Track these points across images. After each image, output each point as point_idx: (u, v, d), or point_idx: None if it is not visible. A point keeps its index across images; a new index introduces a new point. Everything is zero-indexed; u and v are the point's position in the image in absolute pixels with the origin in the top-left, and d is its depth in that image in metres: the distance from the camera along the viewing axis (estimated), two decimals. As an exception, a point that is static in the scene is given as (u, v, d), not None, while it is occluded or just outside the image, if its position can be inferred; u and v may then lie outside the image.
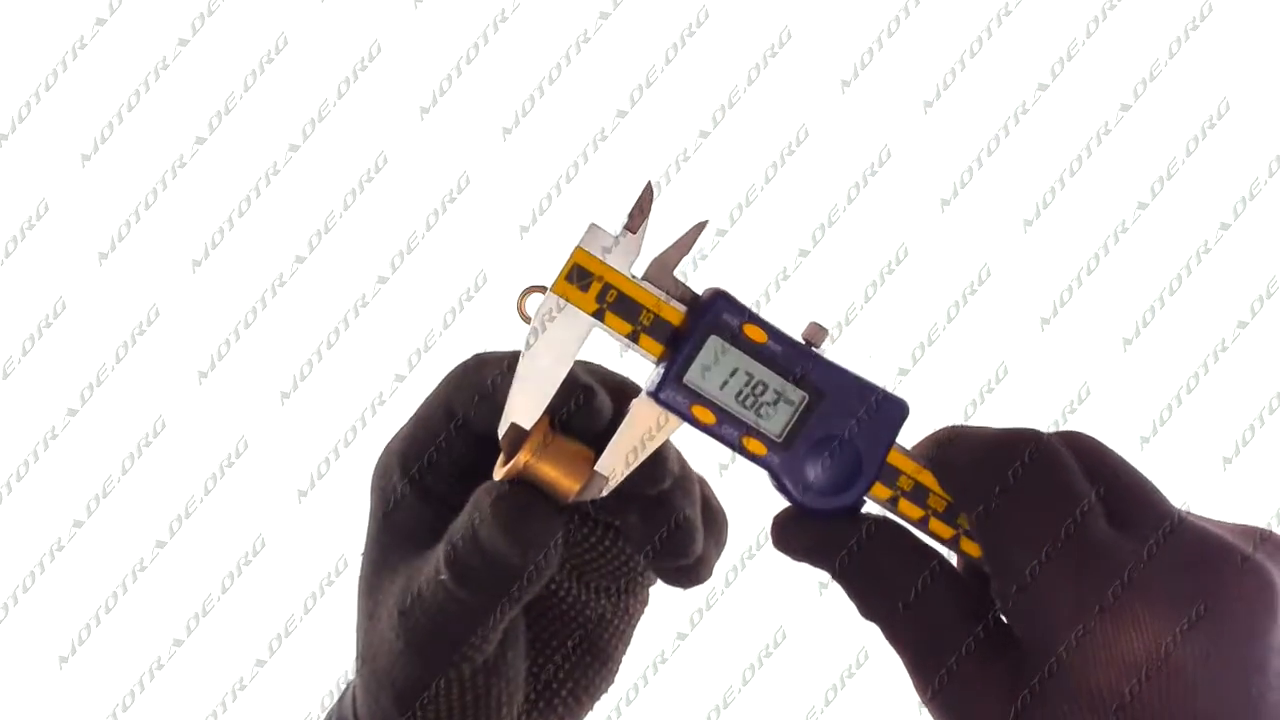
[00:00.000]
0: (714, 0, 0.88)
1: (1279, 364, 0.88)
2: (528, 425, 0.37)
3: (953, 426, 0.39)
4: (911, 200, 0.88)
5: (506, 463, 0.38)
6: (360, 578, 0.40)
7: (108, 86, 0.88)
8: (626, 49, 0.88)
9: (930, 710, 0.38)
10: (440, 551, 0.37)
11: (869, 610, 0.39)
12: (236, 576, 0.86)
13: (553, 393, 0.38)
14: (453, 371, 0.40)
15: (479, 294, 0.85)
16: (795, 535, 0.40)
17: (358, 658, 0.40)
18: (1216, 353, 0.87)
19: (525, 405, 0.37)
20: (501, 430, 0.38)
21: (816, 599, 0.80)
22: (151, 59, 0.88)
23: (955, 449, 0.38)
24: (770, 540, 0.40)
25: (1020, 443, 0.37)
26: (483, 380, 0.38)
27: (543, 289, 0.40)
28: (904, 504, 0.40)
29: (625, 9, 0.88)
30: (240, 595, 0.86)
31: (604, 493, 0.38)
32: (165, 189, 0.88)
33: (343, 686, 0.43)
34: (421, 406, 0.40)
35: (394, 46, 0.88)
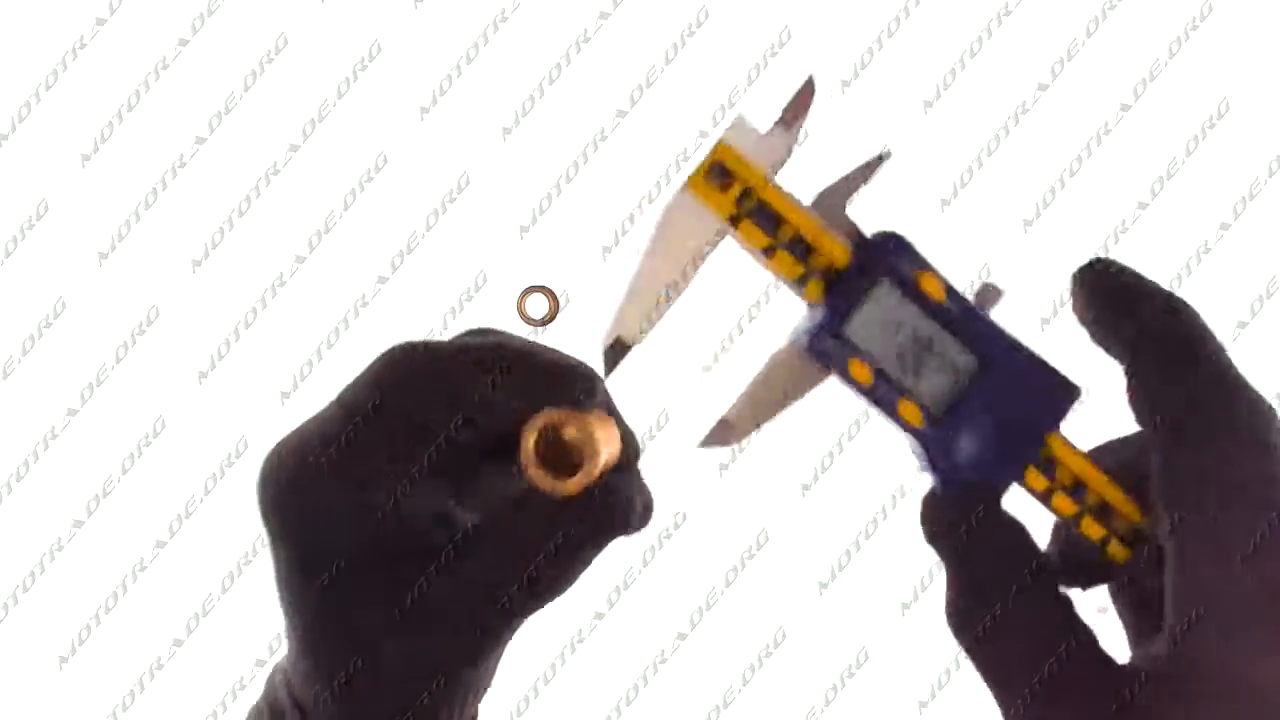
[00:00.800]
0: (714, 0, 0.88)
1: (1279, 364, 0.88)
2: (636, 339, 0.33)
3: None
4: (911, 200, 0.88)
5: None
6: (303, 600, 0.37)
7: (108, 86, 0.88)
8: (626, 49, 0.88)
9: None
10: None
11: (958, 627, 0.34)
12: (236, 576, 0.86)
13: (668, 304, 0.33)
14: (384, 368, 0.37)
15: (479, 294, 0.85)
16: (932, 516, 0.35)
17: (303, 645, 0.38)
18: (1216, 353, 0.87)
19: (636, 316, 0.33)
20: (604, 343, 0.33)
21: (816, 599, 0.80)
22: (151, 59, 0.88)
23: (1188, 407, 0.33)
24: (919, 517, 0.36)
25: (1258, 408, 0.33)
26: (423, 372, 0.35)
27: (543, 289, 0.39)
28: (1058, 498, 0.35)
29: (625, 9, 0.88)
30: (240, 595, 0.86)
31: (730, 444, 0.34)
32: (165, 189, 0.88)
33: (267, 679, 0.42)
34: (347, 404, 0.37)
35: (394, 46, 0.88)
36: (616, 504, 0.36)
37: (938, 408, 0.35)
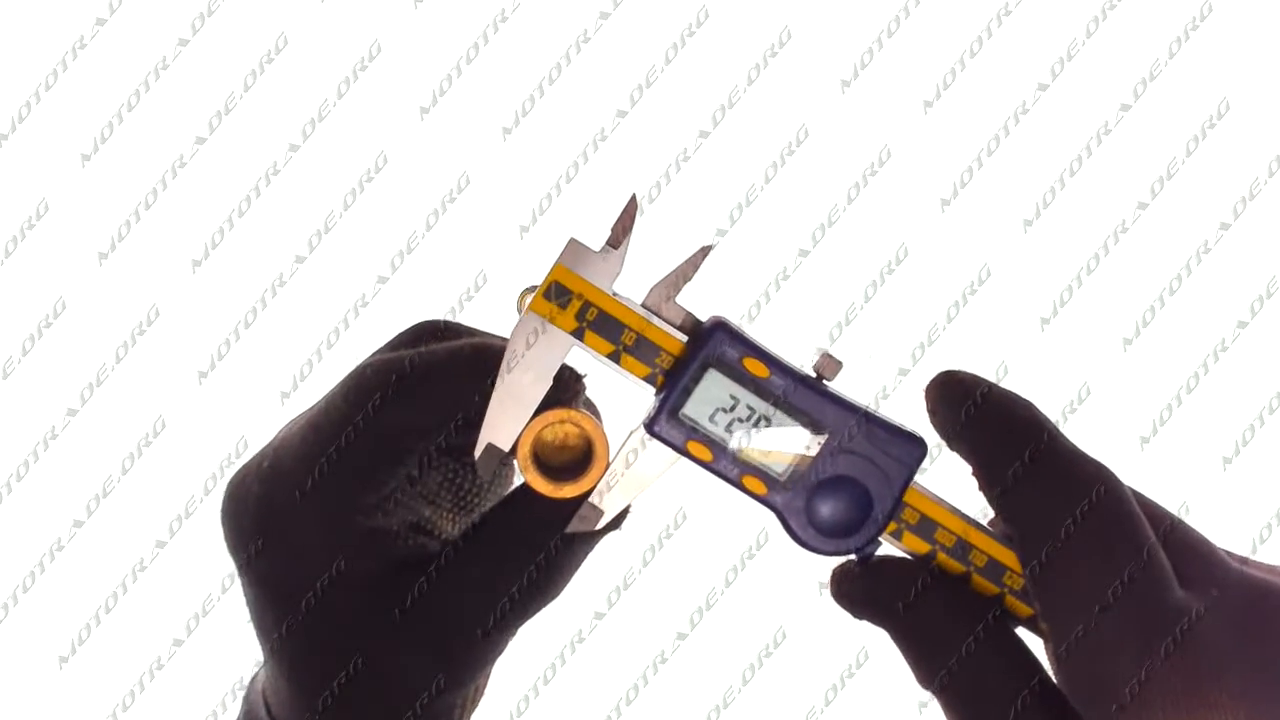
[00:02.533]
0: (714, 0, 0.88)
1: (1279, 364, 0.88)
2: (506, 446, 0.35)
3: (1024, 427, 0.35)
4: (911, 200, 0.88)
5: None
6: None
7: (108, 86, 0.88)
8: (626, 49, 0.88)
9: None
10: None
11: (926, 678, 0.35)
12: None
13: (532, 412, 0.35)
14: (354, 387, 0.36)
15: (479, 294, 0.85)
16: (852, 589, 0.37)
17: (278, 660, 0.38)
18: (1216, 353, 0.87)
19: (505, 425, 0.35)
20: (478, 451, 0.35)
21: (816, 599, 0.79)
22: (151, 59, 0.88)
23: (1023, 482, 0.34)
24: (830, 592, 0.38)
25: (1091, 482, 0.33)
26: (393, 384, 0.35)
27: None
28: (942, 557, 0.37)
29: (625, 9, 0.88)
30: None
31: (596, 527, 0.36)
32: (165, 189, 0.88)
33: (245, 691, 0.41)
34: (321, 420, 0.36)
35: (394, 46, 0.88)
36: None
37: (782, 477, 0.37)
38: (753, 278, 0.89)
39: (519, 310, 0.38)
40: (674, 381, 0.37)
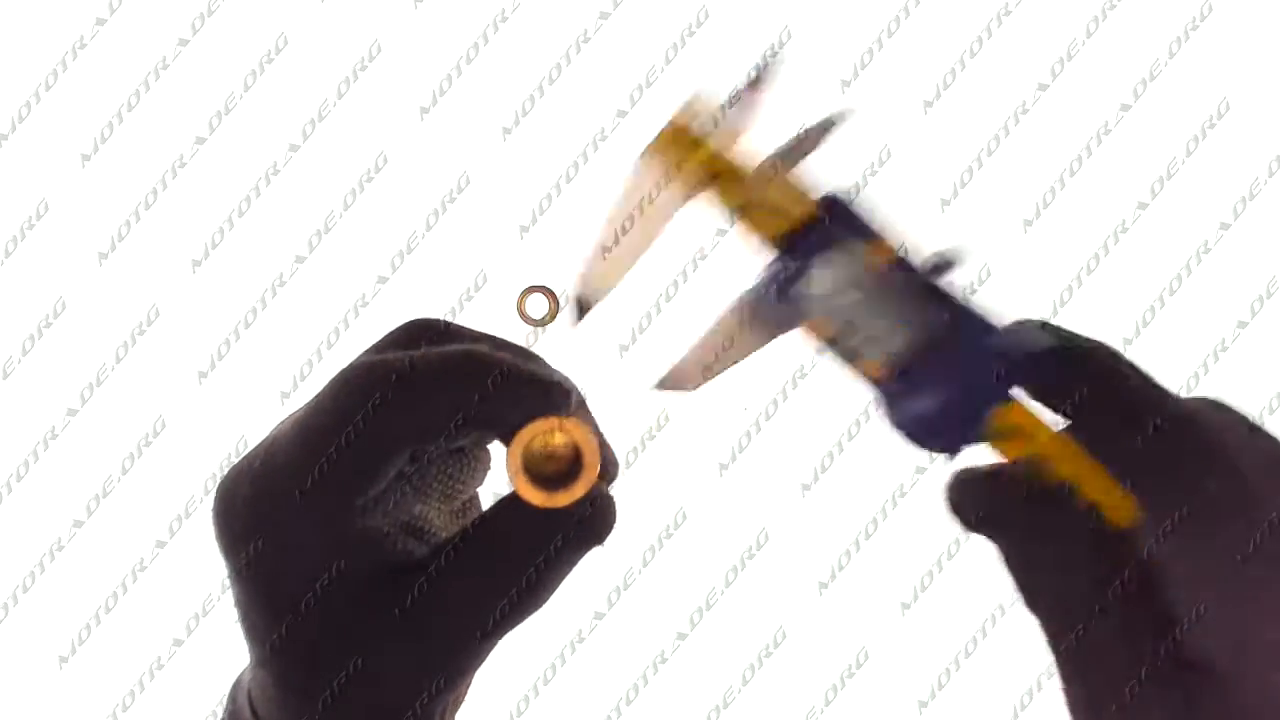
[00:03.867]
0: (714, 0, 0.88)
1: (1279, 364, 0.88)
2: (598, 299, 0.34)
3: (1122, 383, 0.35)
4: (911, 201, 0.88)
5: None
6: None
7: (108, 86, 0.88)
8: (626, 49, 0.88)
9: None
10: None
11: (1038, 605, 0.35)
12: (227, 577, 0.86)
13: (633, 266, 0.33)
14: (344, 388, 0.35)
15: (479, 294, 0.85)
16: (969, 501, 0.36)
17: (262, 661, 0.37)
18: (1216, 353, 0.87)
19: (603, 276, 0.34)
20: (570, 301, 0.34)
21: (816, 599, 0.80)
22: (151, 59, 0.88)
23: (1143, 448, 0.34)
24: (948, 501, 0.36)
25: (1213, 452, 0.33)
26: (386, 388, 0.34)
27: (543, 289, 0.38)
28: (1051, 465, 0.35)
29: (625, 9, 0.88)
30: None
31: (683, 390, 0.35)
32: (165, 189, 0.88)
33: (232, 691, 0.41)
34: (312, 421, 0.35)
35: (394, 46, 0.88)
36: (603, 514, 0.36)
37: (895, 364, 0.35)
38: (752, 277, 0.89)
39: (519, 311, 0.37)
40: (798, 253, 0.35)
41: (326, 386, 0.36)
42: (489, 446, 0.40)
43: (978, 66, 0.87)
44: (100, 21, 0.88)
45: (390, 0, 0.89)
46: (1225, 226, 0.88)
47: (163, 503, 0.88)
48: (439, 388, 0.35)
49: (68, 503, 0.88)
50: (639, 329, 0.84)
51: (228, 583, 0.36)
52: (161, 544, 0.87)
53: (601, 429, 0.38)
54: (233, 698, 0.40)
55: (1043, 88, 0.88)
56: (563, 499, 0.35)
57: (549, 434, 0.35)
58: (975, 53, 0.87)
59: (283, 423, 0.37)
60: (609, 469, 0.38)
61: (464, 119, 0.88)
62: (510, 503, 0.36)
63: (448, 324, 0.39)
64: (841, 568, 0.80)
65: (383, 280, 0.87)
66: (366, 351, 0.38)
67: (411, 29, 0.89)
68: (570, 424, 0.35)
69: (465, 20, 0.88)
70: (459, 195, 0.87)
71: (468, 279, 0.86)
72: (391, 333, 0.39)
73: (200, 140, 0.88)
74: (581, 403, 0.38)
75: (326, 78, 0.88)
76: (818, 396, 0.87)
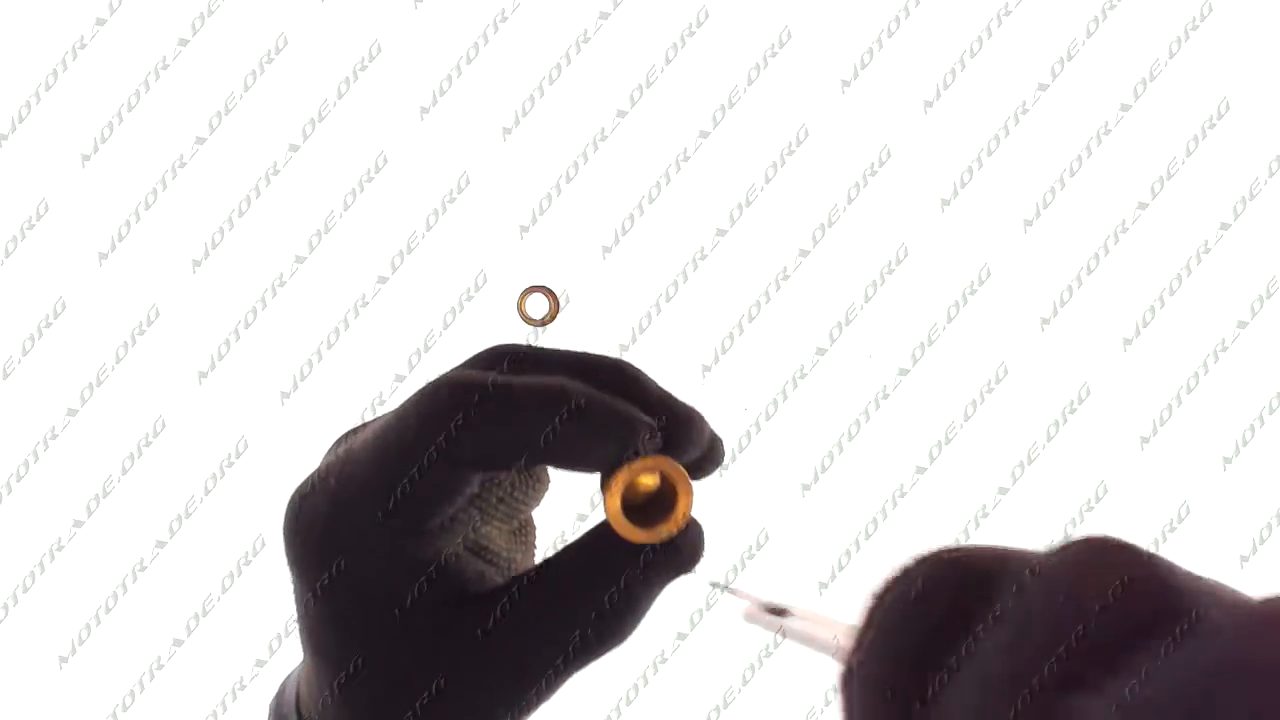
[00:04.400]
0: (714, 0, 0.88)
1: (1279, 364, 0.88)
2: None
3: None
4: (911, 200, 0.88)
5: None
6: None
7: (108, 86, 0.88)
8: (626, 49, 0.88)
9: None
10: None
11: None
12: (236, 576, 0.86)
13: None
14: (429, 403, 0.34)
15: (479, 294, 0.85)
16: None
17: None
18: (1216, 353, 0.87)
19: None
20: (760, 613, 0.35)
21: (816, 599, 0.79)
22: (151, 59, 0.88)
23: None
24: None
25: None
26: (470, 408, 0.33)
27: (543, 289, 0.38)
28: None
29: (625, 9, 0.88)
30: (240, 595, 0.86)
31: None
32: (165, 189, 0.88)
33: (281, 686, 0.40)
34: (391, 438, 0.34)
35: (394, 46, 0.88)
36: (692, 547, 0.36)
37: None
38: (753, 278, 0.89)
39: (519, 311, 0.37)
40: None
41: (409, 401, 0.35)
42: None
43: (978, 66, 0.87)
44: (100, 21, 0.88)
45: (390, 0, 0.89)
46: (1225, 226, 0.88)
47: (163, 503, 0.88)
48: (528, 414, 0.33)
49: (68, 503, 0.88)
50: (639, 329, 0.84)
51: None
52: (161, 544, 0.87)
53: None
54: (277, 710, 0.39)
55: (1043, 88, 0.88)
56: (664, 534, 0.35)
57: (645, 474, 0.34)
58: (975, 53, 0.87)
59: (357, 435, 0.36)
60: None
61: (464, 119, 0.88)
62: (595, 535, 0.35)
63: (531, 348, 0.37)
64: (841, 568, 0.80)
65: (383, 280, 0.87)
66: (453, 369, 0.37)
67: (411, 29, 0.89)
68: (666, 464, 0.34)
69: (465, 20, 0.88)
70: (459, 195, 0.87)
71: (468, 279, 0.86)
72: (475, 356, 0.38)
73: (200, 140, 0.88)
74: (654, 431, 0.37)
75: (326, 78, 0.88)
76: (818, 396, 0.87)
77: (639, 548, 0.34)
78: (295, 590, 0.35)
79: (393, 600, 0.34)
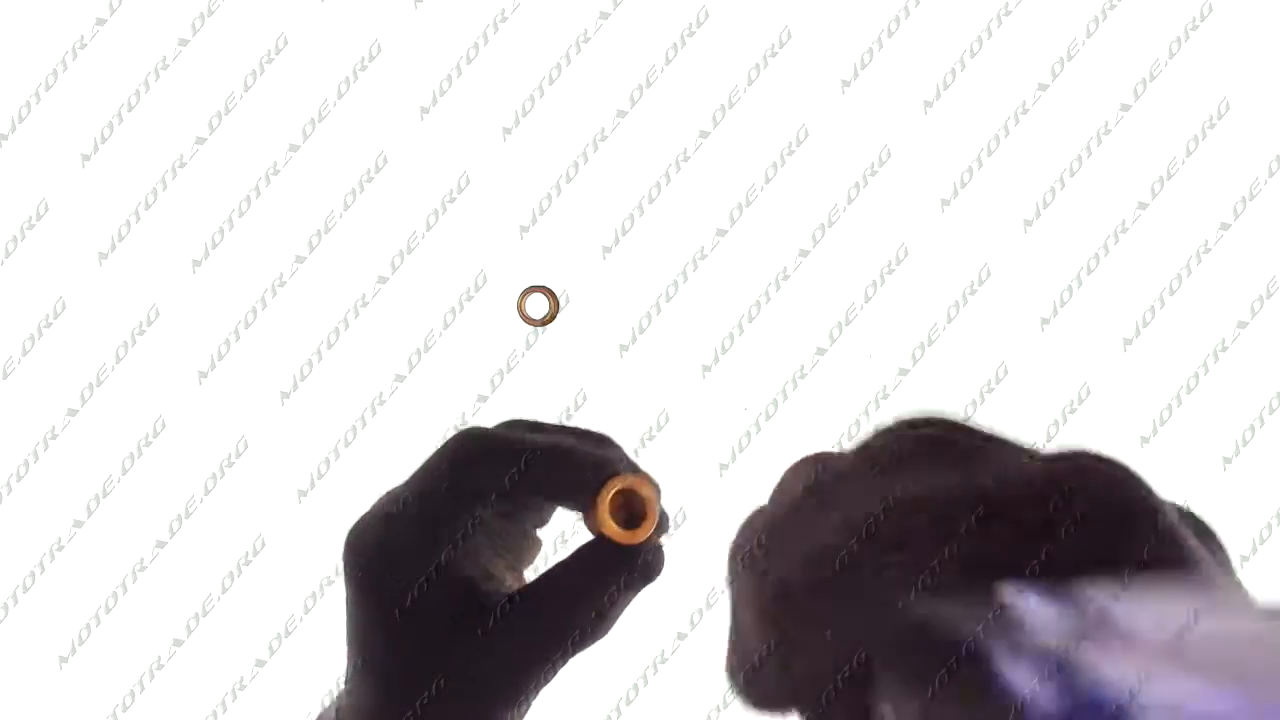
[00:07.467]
0: (714, 0, 0.88)
1: (1279, 364, 0.88)
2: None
3: None
4: (911, 200, 0.88)
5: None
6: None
7: (108, 86, 0.88)
8: (626, 49, 0.88)
9: None
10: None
11: None
12: (236, 576, 0.86)
13: None
14: (454, 454, 0.42)
15: (479, 294, 0.85)
16: None
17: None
18: (1216, 353, 0.87)
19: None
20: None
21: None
22: (151, 59, 0.88)
23: None
24: None
25: None
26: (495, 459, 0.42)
27: (543, 289, 0.39)
28: None
29: (625, 9, 0.88)
30: (240, 595, 0.86)
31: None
32: (165, 189, 0.88)
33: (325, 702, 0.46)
34: (422, 485, 0.43)
35: (394, 46, 0.88)
36: (657, 564, 0.44)
37: None
38: (753, 278, 0.89)
39: (519, 311, 0.39)
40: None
41: (437, 451, 0.43)
42: (538, 533, 0.48)
43: (978, 66, 0.87)
44: (100, 21, 0.88)
45: (390, 0, 0.89)
46: (1225, 226, 0.88)
47: (163, 503, 0.88)
48: (520, 460, 0.42)
49: (68, 503, 0.88)
50: (639, 329, 0.84)
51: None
52: (161, 544, 0.87)
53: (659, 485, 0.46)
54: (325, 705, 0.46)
55: (1043, 88, 0.88)
56: (641, 534, 0.42)
57: (622, 484, 0.42)
58: (975, 53, 0.87)
59: (402, 483, 0.44)
60: (664, 522, 0.45)
61: (464, 119, 0.88)
62: (583, 551, 0.43)
63: (537, 423, 0.46)
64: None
65: (383, 280, 0.87)
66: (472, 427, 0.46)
67: (411, 29, 0.89)
68: (637, 480, 0.42)
69: (465, 20, 0.88)
70: (459, 195, 0.87)
71: (468, 279, 0.86)
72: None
73: (200, 140, 0.88)
74: (627, 459, 0.45)
75: (326, 78, 0.88)
76: (818, 396, 0.87)
77: (620, 562, 0.43)
78: (349, 599, 0.43)
79: (422, 605, 0.42)
